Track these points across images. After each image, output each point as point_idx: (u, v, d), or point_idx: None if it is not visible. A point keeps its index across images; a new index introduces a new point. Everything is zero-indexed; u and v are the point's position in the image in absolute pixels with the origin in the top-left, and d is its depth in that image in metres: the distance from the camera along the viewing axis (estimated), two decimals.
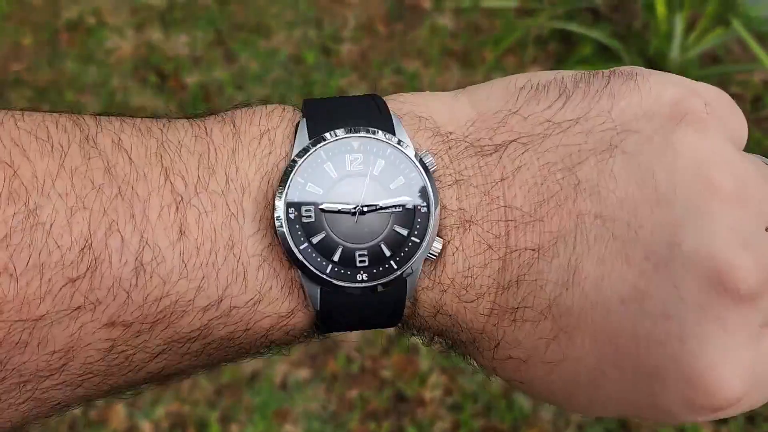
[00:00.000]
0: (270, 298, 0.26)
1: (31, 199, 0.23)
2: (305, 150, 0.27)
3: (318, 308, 0.26)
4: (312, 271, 0.26)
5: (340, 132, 0.27)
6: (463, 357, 0.30)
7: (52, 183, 0.23)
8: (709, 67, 1.44)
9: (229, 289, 0.25)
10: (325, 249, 0.27)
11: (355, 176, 0.27)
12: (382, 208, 0.27)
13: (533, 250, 0.26)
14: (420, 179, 0.27)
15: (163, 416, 1.15)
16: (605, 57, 1.41)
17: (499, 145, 0.27)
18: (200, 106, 1.35)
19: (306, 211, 0.27)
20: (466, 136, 0.27)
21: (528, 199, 0.26)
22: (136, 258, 0.24)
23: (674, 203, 0.24)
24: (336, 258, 0.27)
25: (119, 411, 1.15)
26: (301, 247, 0.26)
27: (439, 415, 1.17)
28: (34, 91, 1.35)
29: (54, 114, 0.25)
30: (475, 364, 0.30)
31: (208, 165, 0.26)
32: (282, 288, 0.26)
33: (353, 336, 1.20)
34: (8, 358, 0.23)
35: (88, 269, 0.23)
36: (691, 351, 0.24)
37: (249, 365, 1.18)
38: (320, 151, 0.27)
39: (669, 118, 0.26)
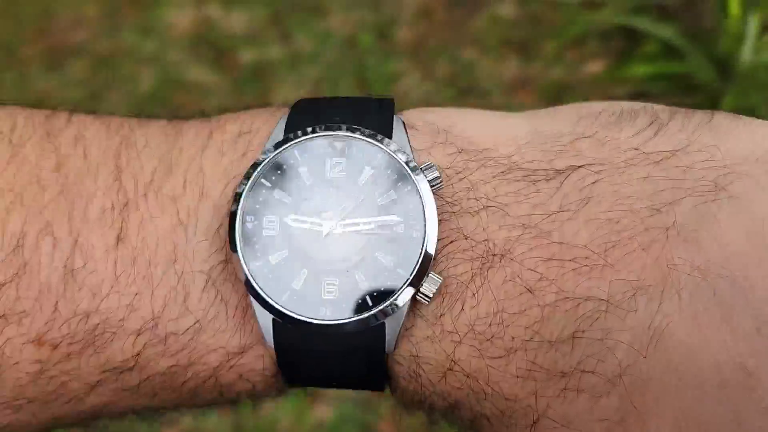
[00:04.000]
0: (215, 327, 0.22)
1: None
2: (276, 146, 0.22)
3: (272, 345, 0.22)
4: (263, 296, 0.21)
5: (318, 129, 0.22)
6: None
7: None
8: None
9: (166, 311, 0.22)
10: (285, 272, 0.22)
11: (335, 185, 0.22)
12: (363, 227, 0.22)
13: (600, 300, 0.20)
14: (417, 196, 0.22)
15: None
16: (671, 56, 1.36)
17: (561, 170, 0.22)
18: (253, 84, 1.36)
19: (268, 222, 0.22)
20: (511, 156, 0.22)
21: (597, 238, 0.21)
22: (65, 264, 0.21)
23: None
24: (297, 285, 0.21)
25: None
26: (255, 265, 0.21)
27: None
28: (93, 60, 1.38)
29: (30, 109, 0.24)
30: None
31: (168, 165, 0.22)
32: (231, 317, 0.22)
33: None
34: None
35: (15, 274, 0.21)
36: None
37: None
38: (293, 150, 0.22)
39: None
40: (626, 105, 0.23)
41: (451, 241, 0.22)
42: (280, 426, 1.15)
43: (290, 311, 0.21)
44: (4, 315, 0.21)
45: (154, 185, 0.22)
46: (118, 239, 0.22)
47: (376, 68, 1.40)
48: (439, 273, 0.22)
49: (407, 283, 0.21)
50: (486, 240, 0.22)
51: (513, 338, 0.21)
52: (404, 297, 0.21)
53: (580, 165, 0.22)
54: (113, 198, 0.22)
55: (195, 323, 0.22)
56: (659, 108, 0.23)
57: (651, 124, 0.22)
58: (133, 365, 0.22)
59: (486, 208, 0.22)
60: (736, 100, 1.25)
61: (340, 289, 0.22)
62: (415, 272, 0.21)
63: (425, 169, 0.22)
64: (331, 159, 0.22)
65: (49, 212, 0.22)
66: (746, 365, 0.19)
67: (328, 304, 0.21)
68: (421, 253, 0.21)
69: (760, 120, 0.23)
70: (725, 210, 0.20)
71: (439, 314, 0.22)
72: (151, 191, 0.22)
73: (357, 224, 0.22)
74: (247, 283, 0.22)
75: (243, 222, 0.22)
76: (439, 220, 0.22)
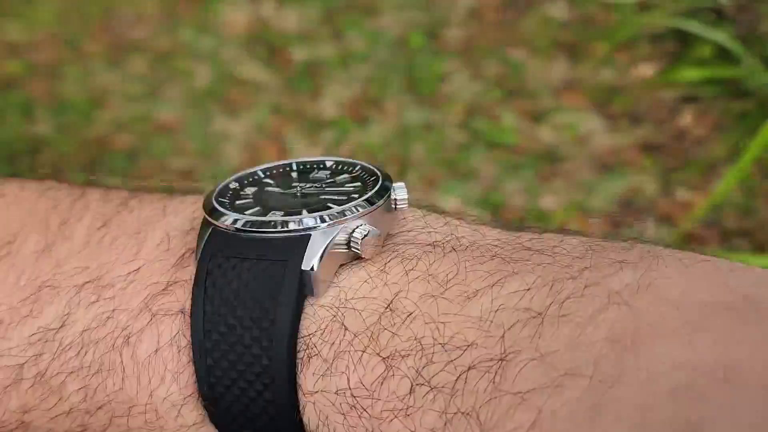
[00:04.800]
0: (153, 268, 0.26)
1: None
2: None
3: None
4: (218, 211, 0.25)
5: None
6: None
7: None
8: None
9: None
10: (242, 207, 0.26)
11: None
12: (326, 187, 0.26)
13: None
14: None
15: None
16: (725, 59, 1.34)
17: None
18: (305, 82, 1.39)
19: (245, 193, 0.27)
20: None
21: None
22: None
23: None
24: (248, 213, 0.25)
25: None
26: (219, 200, 0.26)
27: None
28: (152, 57, 1.43)
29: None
30: None
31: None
32: (170, 256, 0.26)
33: None
34: None
35: None
36: None
37: None
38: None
39: None
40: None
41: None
42: None
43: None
44: None
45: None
46: (102, 226, 0.26)
47: (425, 68, 1.41)
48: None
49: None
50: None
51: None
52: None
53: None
54: (107, 209, 0.27)
55: (138, 268, 0.25)
56: None
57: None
58: (60, 325, 0.25)
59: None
60: None
61: (282, 216, 0.24)
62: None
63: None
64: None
65: (47, 220, 0.26)
66: None
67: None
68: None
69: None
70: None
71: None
72: (137, 203, 0.27)
73: (319, 192, 0.26)
74: (207, 203, 0.25)
75: (227, 185, 0.27)
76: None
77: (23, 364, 0.24)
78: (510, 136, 1.28)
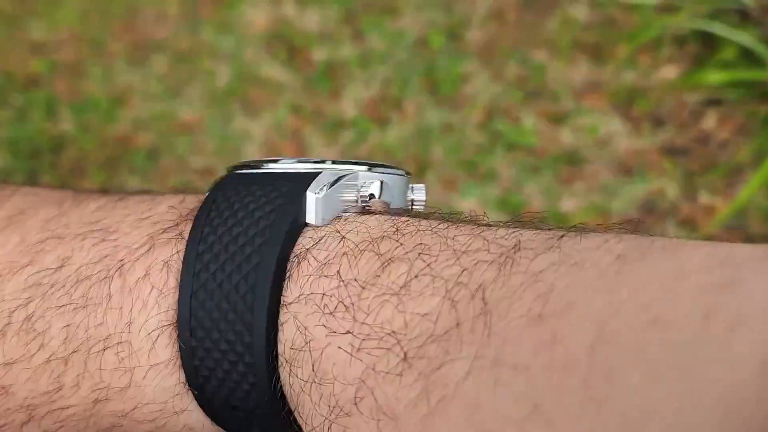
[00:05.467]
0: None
1: None
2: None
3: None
4: None
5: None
6: None
7: None
8: None
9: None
10: None
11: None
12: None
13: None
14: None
15: None
16: (749, 62, 1.32)
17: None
18: (325, 82, 1.39)
19: None
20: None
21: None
22: None
23: None
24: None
25: None
26: None
27: None
28: (173, 56, 1.44)
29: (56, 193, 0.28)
30: None
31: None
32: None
33: None
34: None
35: None
36: None
37: None
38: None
39: None
40: None
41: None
42: None
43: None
44: None
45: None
46: (119, 199, 0.26)
47: (446, 69, 1.41)
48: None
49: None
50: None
51: None
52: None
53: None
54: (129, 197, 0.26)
55: (148, 217, 0.25)
56: None
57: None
58: (59, 266, 0.24)
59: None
60: None
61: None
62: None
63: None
64: None
65: (61, 198, 0.26)
66: None
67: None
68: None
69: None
70: None
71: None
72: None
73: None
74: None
75: None
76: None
77: (14, 310, 0.24)
78: (530, 138, 1.27)
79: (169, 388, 0.23)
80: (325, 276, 0.22)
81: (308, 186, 0.23)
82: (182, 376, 0.23)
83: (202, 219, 0.23)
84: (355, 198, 0.24)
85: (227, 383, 0.22)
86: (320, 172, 0.24)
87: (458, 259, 0.20)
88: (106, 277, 0.24)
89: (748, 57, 1.33)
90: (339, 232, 0.23)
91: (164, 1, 1.51)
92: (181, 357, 0.23)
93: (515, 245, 0.20)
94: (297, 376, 0.21)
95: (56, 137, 1.32)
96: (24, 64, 1.43)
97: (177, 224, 0.24)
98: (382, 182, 0.24)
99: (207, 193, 0.24)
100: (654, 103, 1.32)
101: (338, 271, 0.21)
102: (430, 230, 0.22)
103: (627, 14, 1.48)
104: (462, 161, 1.19)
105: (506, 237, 0.21)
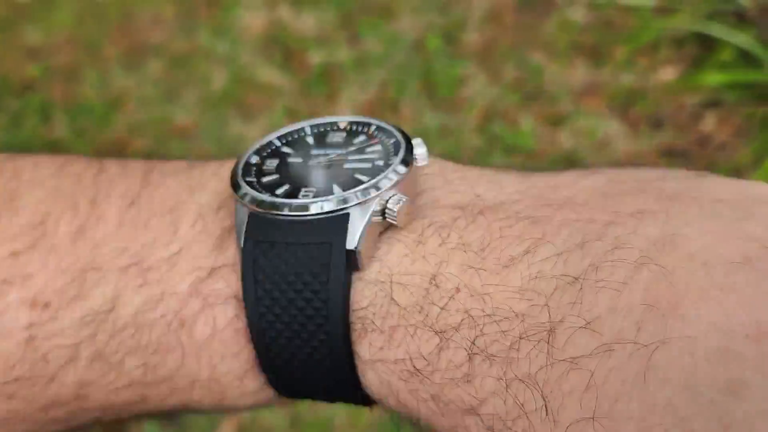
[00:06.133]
0: (193, 253, 0.25)
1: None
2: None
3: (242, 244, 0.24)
4: (247, 192, 0.25)
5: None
6: None
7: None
8: None
9: (153, 245, 0.25)
10: (270, 186, 0.25)
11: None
12: (347, 164, 0.26)
13: (605, 221, 0.22)
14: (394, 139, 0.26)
15: None
16: (747, 63, 1.32)
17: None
18: (321, 86, 1.38)
19: (270, 162, 0.26)
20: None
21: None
22: (77, 228, 0.26)
23: None
24: (278, 192, 0.25)
25: None
26: (247, 179, 0.26)
27: None
28: (169, 60, 1.43)
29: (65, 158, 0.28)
30: None
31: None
32: (210, 243, 0.26)
33: None
34: None
35: (33, 244, 0.25)
36: None
37: None
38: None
39: None
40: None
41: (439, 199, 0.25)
42: (335, 423, 1.17)
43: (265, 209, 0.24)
44: (6, 280, 0.25)
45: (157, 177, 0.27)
46: (131, 204, 0.26)
47: (443, 71, 1.40)
48: (428, 219, 0.24)
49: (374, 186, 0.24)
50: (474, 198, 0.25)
51: (509, 255, 0.22)
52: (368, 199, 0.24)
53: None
54: (132, 185, 0.26)
55: (179, 250, 0.25)
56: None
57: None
58: (111, 308, 0.25)
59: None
60: None
61: (315, 195, 0.24)
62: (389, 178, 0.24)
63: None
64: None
65: (74, 197, 0.26)
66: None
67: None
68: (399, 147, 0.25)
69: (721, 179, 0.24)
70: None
71: (421, 240, 0.24)
72: (159, 177, 0.27)
73: (342, 160, 0.26)
74: (235, 184, 0.25)
75: (248, 161, 0.26)
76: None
77: (79, 343, 0.25)
78: (528, 141, 1.27)
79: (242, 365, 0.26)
80: (392, 348, 0.24)
81: (344, 233, 0.24)
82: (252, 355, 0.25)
83: (250, 282, 0.24)
84: (381, 209, 0.25)
85: (296, 340, 0.24)
86: (348, 215, 0.24)
87: (502, 332, 0.22)
88: (170, 330, 0.25)
89: (745, 58, 1.32)
90: (387, 294, 0.24)
91: (160, 5, 1.50)
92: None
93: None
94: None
95: (51, 142, 1.31)
96: (19, 69, 1.43)
97: (214, 272, 0.25)
98: (402, 200, 0.25)
99: (238, 242, 0.25)
100: (652, 105, 1.31)
101: (405, 349, 0.24)
102: (464, 287, 0.23)
103: (625, 16, 1.47)
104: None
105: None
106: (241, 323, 0.25)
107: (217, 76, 1.40)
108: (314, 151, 0.27)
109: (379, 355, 0.24)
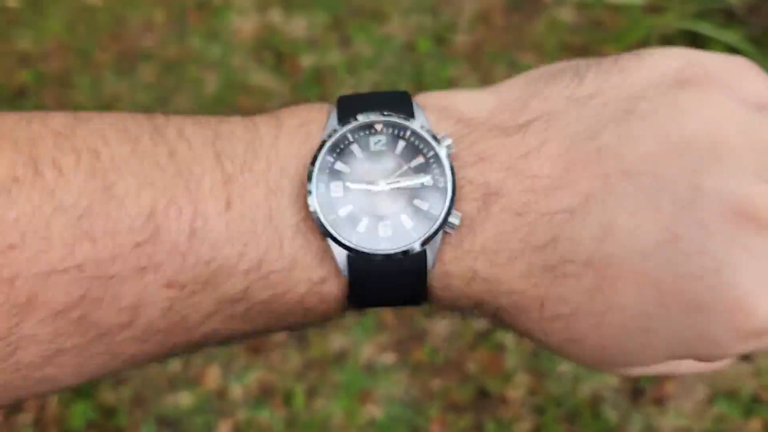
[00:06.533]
0: (303, 264, 0.29)
1: (108, 177, 0.27)
2: (334, 131, 0.30)
3: (347, 274, 0.29)
4: (339, 239, 0.29)
5: (362, 117, 0.30)
6: (512, 328, 0.31)
7: (126, 164, 0.28)
8: None
9: (267, 255, 0.29)
10: (351, 221, 0.30)
11: (379, 155, 0.30)
12: (402, 185, 0.30)
13: (565, 211, 0.28)
14: (438, 159, 0.30)
15: (254, 382, 1.20)
16: None
17: (522, 124, 0.29)
18: (313, 89, 1.39)
19: (335, 187, 0.30)
20: (488, 120, 0.30)
21: (555, 168, 0.28)
22: (190, 225, 0.28)
23: (689, 153, 0.27)
24: (361, 229, 0.29)
25: (214, 372, 1.21)
26: (330, 218, 0.29)
27: (521, 415, 1.16)
28: (161, 65, 1.44)
29: (131, 113, 0.30)
30: (526, 334, 0.31)
31: (253, 150, 0.30)
32: (314, 256, 0.29)
33: (441, 328, 1.20)
34: (89, 312, 0.27)
35: (151, 235, 0.27)
36: (727, 279, 0.26)
37: (337, 343, 1.21)
38: (346, 133, 0.30)
39: (673, 85, 0.29)
40: (557, 65, 0.32)
41: (461, 187, 0.30)
42: (331, 423, 1.17)
43: (360, 247, 0.29)
44: (144, 267, 0.27)
45: (247, 165, 0.29)
46: (227, 205, 0.28)
47: (434, 73, 1.41)
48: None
49: (440, 220, 0.29)
50: (485, 182, 0.29)
51: (512, 249, 0.29)
52: (437, 231, 0.29)
53: (534, 118, 0.29)
54: (218, 176, 0.29)
55: (290, 261, 0.29)
56: (581, 62, 0.31)
57: (574, 77, 0.30)
58: (242, 297, 0.29)
59: (481, 159, 0.29)
60: None
61: (392, 229, 0.30)
62: (444, 212, 0.29)
63: (442, 139, 0.30)
64: (374, 137, 0.31)
65: (171, 189, 0.28)
66: (670, 228, 0.27)
67: (385, 240, 0.30)
68: (447, 199, 0.29)
69: (655, 48, 0.31)
70: (635, 127, 0.28)
71: (460, 240, 0.29)
72: (246, 170, 0.29)
73: (398, 182, 0.30)
74: (327, 232, 0.29)
75: (317, 188, 0.29)
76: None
77: (214, 312, 0.30)
78: None
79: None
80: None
81: (425, 269, 0.30)
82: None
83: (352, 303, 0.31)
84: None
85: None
86: (425, 252, 0.30)
87: None
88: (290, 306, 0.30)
89: None
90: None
91: (151, 10, 1.51)
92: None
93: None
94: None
95: None
96: (11, 76, 1.43)
97: (321, 283, 0.30)
98: (458, 217, 0.30)
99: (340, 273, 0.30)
100: None
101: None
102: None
103: (614, 15, 1.48)
104: None
105: None
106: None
107: (209, 81, 1.41)
108: (366, 168, 0.30)
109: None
